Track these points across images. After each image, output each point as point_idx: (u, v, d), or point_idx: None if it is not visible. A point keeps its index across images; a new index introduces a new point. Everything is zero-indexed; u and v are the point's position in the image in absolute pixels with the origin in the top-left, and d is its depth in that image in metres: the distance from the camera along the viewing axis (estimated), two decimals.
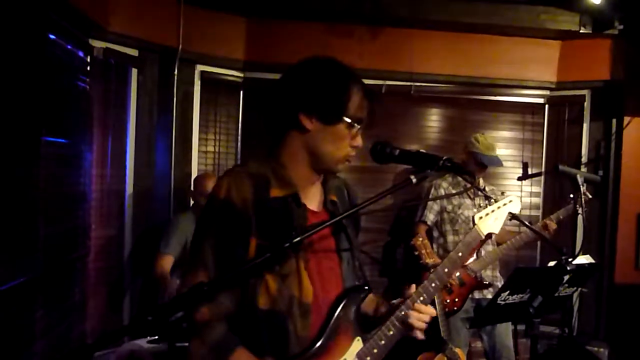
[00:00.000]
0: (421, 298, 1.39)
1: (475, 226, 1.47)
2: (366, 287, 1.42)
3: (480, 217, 1.49)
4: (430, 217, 3.37)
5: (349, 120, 1.32)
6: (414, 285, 1.43)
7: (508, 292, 2.02)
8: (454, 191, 3.34)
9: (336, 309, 1.37)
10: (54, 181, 2.75)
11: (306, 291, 1.33)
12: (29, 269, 2.46)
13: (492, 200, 3.38)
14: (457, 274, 3.18)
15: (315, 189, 1.43)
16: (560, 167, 2.01)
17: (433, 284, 1.42)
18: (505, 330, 3.29)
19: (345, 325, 1.37)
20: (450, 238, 3.32)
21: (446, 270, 1.44)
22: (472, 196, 3.36)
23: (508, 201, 1.60)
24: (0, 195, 2.22)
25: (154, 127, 3.59)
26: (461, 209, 3.31)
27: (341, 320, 1.37)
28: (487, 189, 3.41)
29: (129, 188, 3.51)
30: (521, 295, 2.09)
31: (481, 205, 3.39)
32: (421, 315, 1.38)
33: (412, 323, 1.37)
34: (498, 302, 2.05)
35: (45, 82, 2.59)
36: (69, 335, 2.99)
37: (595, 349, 3.59)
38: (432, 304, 2.82)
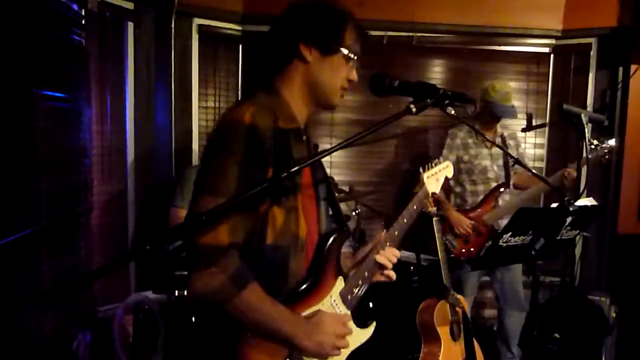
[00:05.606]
0: (388, 243, 1.53)
1: (425, 184, 1.65)
2: (348, 231, 1.50)
3: (428, 177, 1.65)
4: None
5: (345, 52, 1.37)
6: (384, 232, 1.55)
7: (510, 233, 2.01)
8: (470, 141, 3.31)
9: (322, 249, 1.41)
10: (53, 135, 2.72)
11: (302, 228, 1.36)
12: (32, 222, 2.47)
13: (510, 141, 3.37)
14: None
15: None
16: (565, 105, 1.97)
17: (397, 232, 1.56)
18: (516, 278, 3.34)
19: (330, 264, 1.42)
20: (468, 188, 3.33)
21: (405, 220, 1.59)
22: (488, 145, 3.32)
23: (445, 165, 1.78)
24: None
25: (152, 83, 3.55)
26: (478, 159, 3.30)
27: (328, 260, 1.41)
28: (505, 133, 3.37)
29: (130, 144, 3.50)
30: (523, 237, 2.08)
31: (499, 155, 3.34)
32: (387, 255, 1.52)
33: (380, 262, 1.50)
34: (500, 244, 2.04)
35: (38, 34, 2.52)
36: None
37: (597, 298, 3.61)
38: (435, 252, 2.86)
